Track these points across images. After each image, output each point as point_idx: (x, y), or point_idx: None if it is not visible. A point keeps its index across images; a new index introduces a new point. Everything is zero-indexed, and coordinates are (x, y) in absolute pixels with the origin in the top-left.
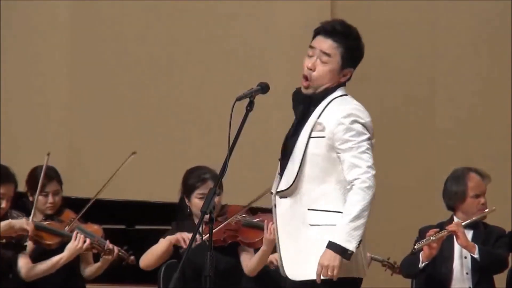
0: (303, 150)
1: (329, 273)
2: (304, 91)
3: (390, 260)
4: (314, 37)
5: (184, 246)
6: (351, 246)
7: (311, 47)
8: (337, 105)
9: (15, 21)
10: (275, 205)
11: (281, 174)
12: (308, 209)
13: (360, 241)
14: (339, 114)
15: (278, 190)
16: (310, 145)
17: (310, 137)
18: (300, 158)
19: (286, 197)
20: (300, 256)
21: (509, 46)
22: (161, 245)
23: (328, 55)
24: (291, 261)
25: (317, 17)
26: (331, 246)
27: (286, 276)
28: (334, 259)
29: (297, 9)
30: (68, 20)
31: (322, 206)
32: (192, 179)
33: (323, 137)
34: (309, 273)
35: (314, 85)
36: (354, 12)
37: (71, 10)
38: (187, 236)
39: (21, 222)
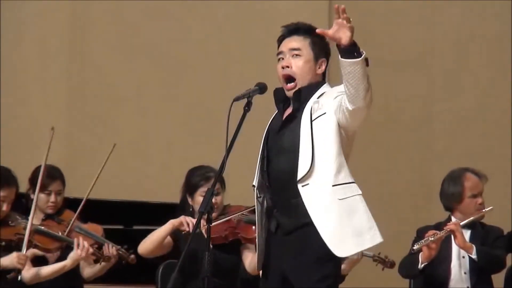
0: (310, 135)
1: None
2: (288, 93)
3: (380, 255)
4: (278, 45)
5: (187, 229)
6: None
7: (278, 53)
8: (329, 90)
9: (15, 21)
10: (257, 198)
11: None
12: (333, 185)
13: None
14: (332, 91)
15: (299, 178)
16: (315, 128)
17: (312, 121)
18: (310, 142)
19: (308, 184)
20: (341, 232)
21: (509, 46)
22: (163, 229)
23: (297, 49)
24: (332, 238)
25: (315, 17)
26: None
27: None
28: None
29: (294, 9)
30: (68, 20)
31: (343, 179)
32: (196, 177)
33: (324, 113)
34: (353, 248)
35: (300, 82)
36: (352, 12)
37: (71, 10)
38: (191, 219)
39: (12, 260)
